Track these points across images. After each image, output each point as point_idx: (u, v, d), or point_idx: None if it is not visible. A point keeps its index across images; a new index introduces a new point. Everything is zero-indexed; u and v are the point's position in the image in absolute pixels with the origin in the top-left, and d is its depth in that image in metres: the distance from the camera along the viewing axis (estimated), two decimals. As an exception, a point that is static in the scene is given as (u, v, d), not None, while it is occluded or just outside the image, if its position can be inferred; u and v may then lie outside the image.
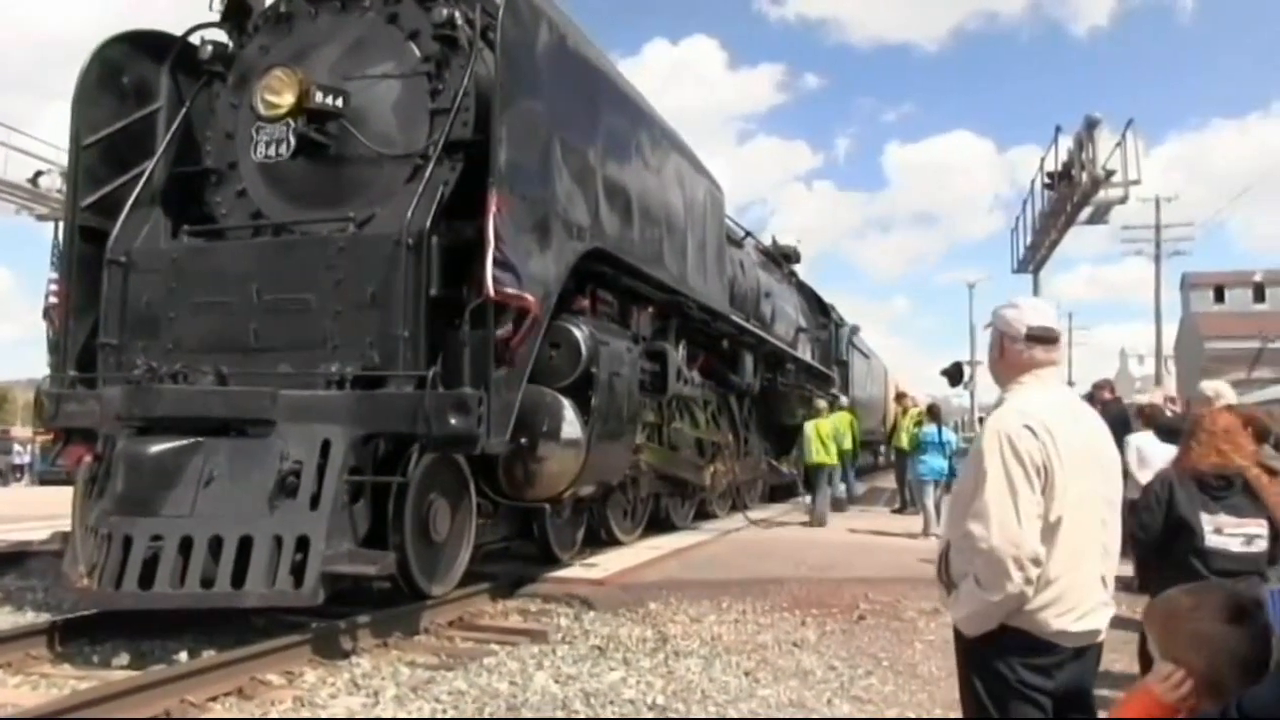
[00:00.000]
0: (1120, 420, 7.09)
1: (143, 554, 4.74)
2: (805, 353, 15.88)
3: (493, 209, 5.31)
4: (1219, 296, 39.66)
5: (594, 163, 6.77)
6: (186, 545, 4.77)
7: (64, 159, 7.80)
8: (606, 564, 7.42)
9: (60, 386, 6.22)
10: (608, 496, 8.03)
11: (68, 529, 5.49)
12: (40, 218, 18.13)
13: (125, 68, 6.67)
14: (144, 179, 6.56)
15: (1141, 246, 29.80)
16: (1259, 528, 3.06)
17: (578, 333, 6.41)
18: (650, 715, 4.12)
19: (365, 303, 5.62)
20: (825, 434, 12.44)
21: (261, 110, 5.95)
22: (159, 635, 5.07)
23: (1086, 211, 15.39)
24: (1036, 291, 17.78)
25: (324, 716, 3.98)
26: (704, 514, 11.09)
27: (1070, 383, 26.05)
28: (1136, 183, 14.53)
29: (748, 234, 13.46)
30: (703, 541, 9.27)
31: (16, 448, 28.43)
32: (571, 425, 6.13)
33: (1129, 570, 3.95)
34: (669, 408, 9.18)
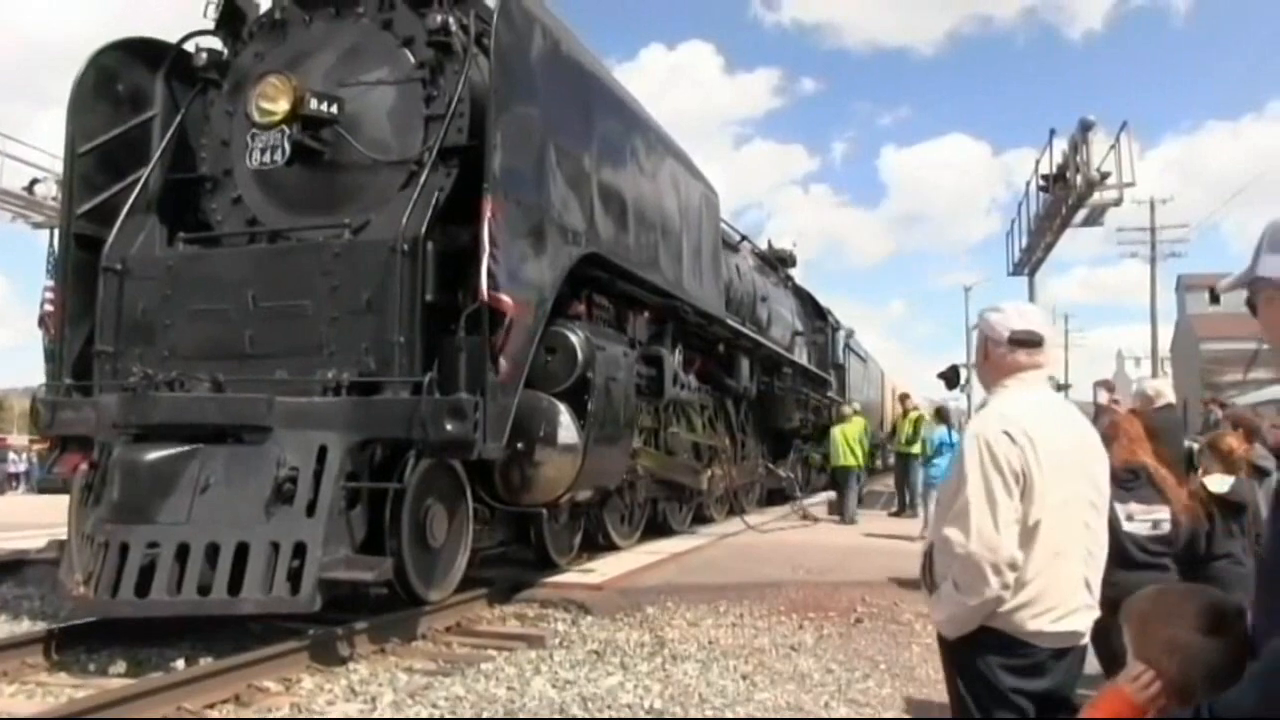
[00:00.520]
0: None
1: (139, 561, 4.74)
2: (802, 356, 15.89)
3: (488, 214, 5.32)
4: (1215, 298, 39.63)
5: (589, 168, 6.78)
6: (183, 552, 4.77)
7: (59, 166, 7.80)
8: (604, 569, 7.42)
9: (56, 394, 6.22)
10: (605, 501, 8.02)
11: (64, 537, 5.49)
12: (36, 225, 18.11)
13: (120, 75, 6.69)
14: (139, 186, 6.58)
15: (1137, 249, 29.93)
16: (1163, 513, 3.52)
17: (574, 338, 6.42)
18: (648, 719, 4.12)
19: (361, 309, 5.63)
20: (851, 438, 12.64)
21: (256, 117, 5.97)
22: (156, 643, 5.07)
23: (1082, 214, 15.42)
24: (1032, 294, 17.80)
25: (321, 723, 3.98)
26: (701, 518, 11.08)
27: (1067, 385, 26.08)
28: (1131, 185, 14.58)
29: (743, 238, 13.48)
30: (700, 546, 9.27)
31: (13, 456, 28.34)
32: (568, 430, 6.14)
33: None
34: (666, 412, 9.18)
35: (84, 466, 5.54)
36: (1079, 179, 14.17)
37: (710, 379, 10.99)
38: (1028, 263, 18.16)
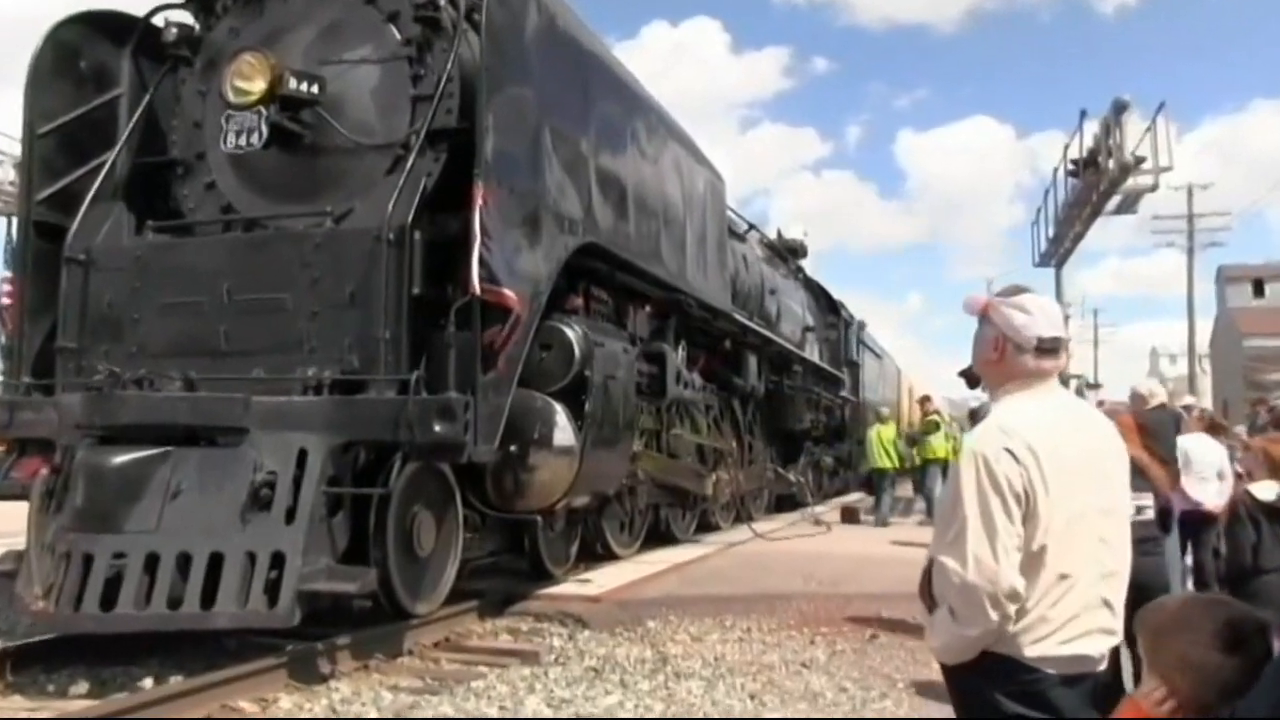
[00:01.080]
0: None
1: (104, 573, 4.73)
2: (813, 353, 15.89)
3: (479, 202, 5.32)
4: (1258, 291, 39.38)
5: (587, 152, 6.78)
6: (152, 563, 4.77)
7: (17, 149, 7.76)
8: (602, 579, 7.44)
9: (15, 394, 6.21)
10: (603, 508, 8.03)
11: (23, 547, 5.49)
12: (-7, 212, 18.08)
13: (82, 51, 6.66)
14: (104, 171, 6.55)
15: (1173, 238, 29.87)
16: (1145, 500, 3.81)
17: (570, 333, 6.42)
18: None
19: (344, 302, 5.63)
20: (887, 440, 12.84)
21: (231, 97, 5.95)
22: (122, 660, 5.06)
23: (1114, 201, 15.40)
24: (1059, 287, 17.79)
25: (301, 745, 3.99)
26: (706, 526, 11.09)
27: (1097, 384, 26.06)
28: (1168, 169, 14.55)
29: (751, 227, 13.50)
30: (705, 555, 9.29)
31: (-32, 459, 28.29)
32: (564, 432, 6.14)
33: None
34: (668, 413, 9.19)
35: (45, 471, 5.52)
36: (1111, 163, 14.14)
37: (716, 377, 10.99)
38: (1055, 253, 18.16)
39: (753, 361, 12.13)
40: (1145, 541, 3.61)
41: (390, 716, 4.33)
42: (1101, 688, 2.15)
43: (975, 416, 12.00)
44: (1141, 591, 2.27)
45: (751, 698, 4.80)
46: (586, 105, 6.89)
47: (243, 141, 6.11)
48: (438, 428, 5.14)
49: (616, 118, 7.44)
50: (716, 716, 4.47)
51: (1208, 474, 6.40)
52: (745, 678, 5.14)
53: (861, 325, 20.69)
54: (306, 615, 4.86)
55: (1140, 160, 14.15)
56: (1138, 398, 7.06)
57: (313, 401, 5.39)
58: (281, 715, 4.34)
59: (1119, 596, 2.15)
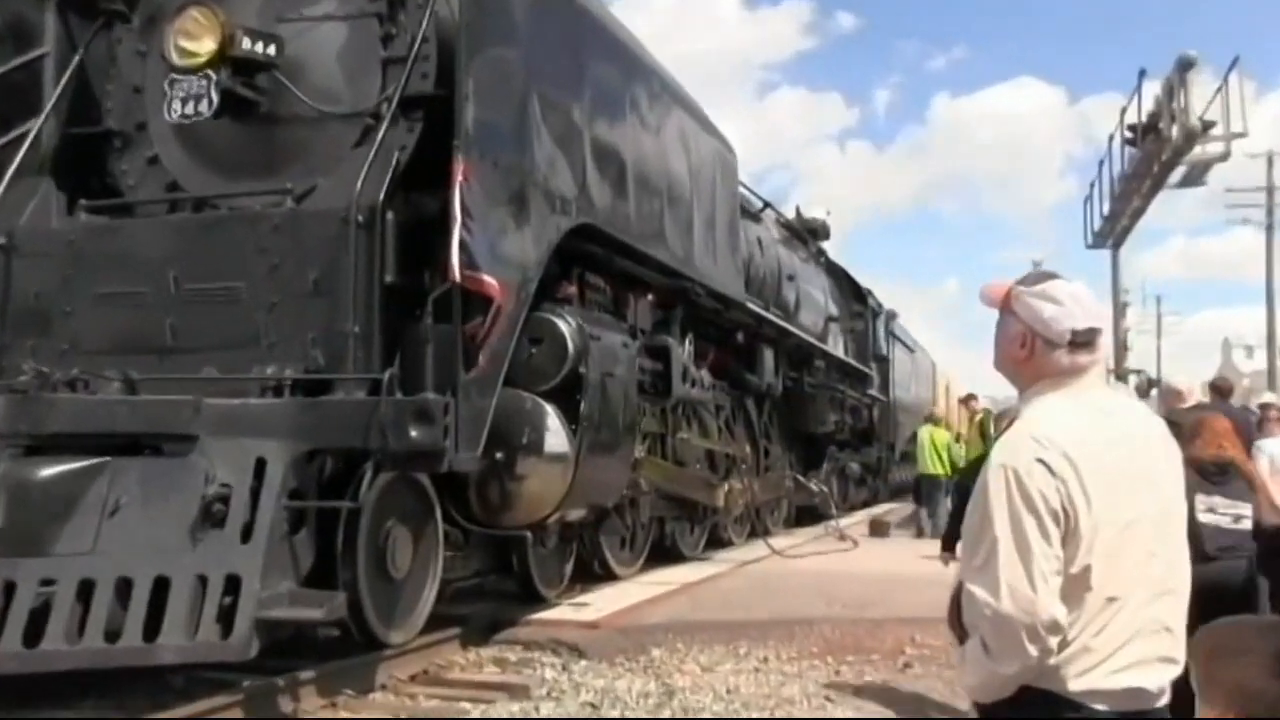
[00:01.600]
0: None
1: (30, 603, 4.63)
2: (837, 346, 15.91)
3: (459, 178, 5.30)
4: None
5: (580, 122, 6.77)
6: (86, 590, 4.68)
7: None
8: (600, 603, 7.44)
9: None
10: (601, 522, 8.03)
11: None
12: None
13: None
14: (28, 142, 6.46)
15: (1249, 213, 29.78)
16: (1246, 509, 4.23)
17: (563, 326, 6.41)
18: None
19: (307, 292, 5.60)
20: (940, 444, 12.81)
21: (175, 59, 5.88)
22: (50, 702, 4.98)
23: (1179, 172, 15.33)
24: (1116, 271, 17.77)
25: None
26: (717, 541, 11.11)
27: (1159, 380, 25.98)
28: (1242, 135, 14.43)
29: (766, 205, 13.47)
30: (716, 574, 9.29)
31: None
32: (556, 436, 6.14)
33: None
34: (674, 414, 9.20)
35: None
36: (1175, 129, 14.03)
37: (727, 375, 11.00)
38: (1111, 232, 18.10)
39: (769, 356, 12.14)
40: (1228, 550, 3.88)
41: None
42: None
43: (999, 422, 11.98)
44: (1221, 603, 2.26)
45: (770, 737, 4.77)
46: (580, 69, 6.88)
47: (189, 110, 6.04)
48: (414, 433, 5.10)
49: (614, 83, 7.43)
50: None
51: None
52: (762, 712, 5.12)
53: (892, 315, 20.69)
54: (265, 647, 4.79)
55: (1209, 125, 14.04)
56: (1171, 393, 7.13)
57: (272, 404, 5.35)
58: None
59: (1178, 619, 2.10)
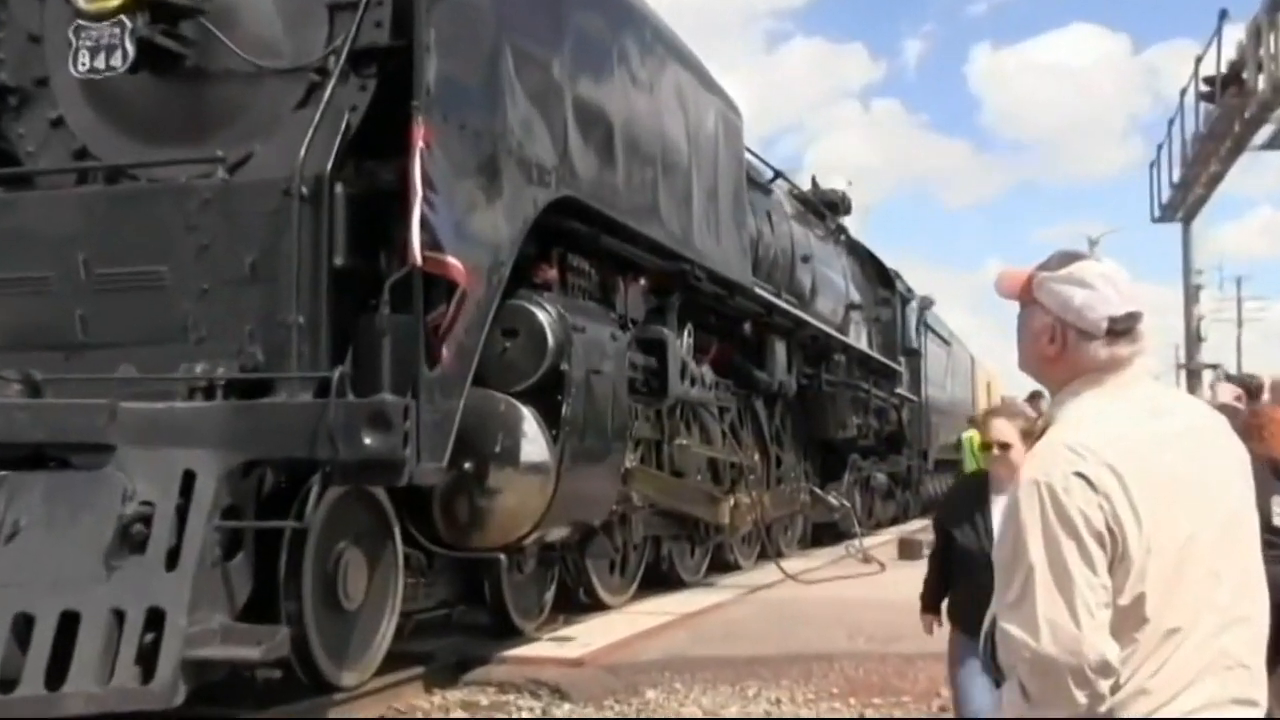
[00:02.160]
0: None
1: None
2: (860, 338, 15.96)
3: (419, 144, 5.29)
4: None
5: (560, 79, 6.79)
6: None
7: None
8: (587, 636, 7.45)
9: None
10: (587, 542, 8.02)
11: None
12: None
13: None
14: None
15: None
16: None
17: (542, 315, 6.44)
18: None
19: (242, 277, 5.58)
20: None
21: (81, 3, 5.80)
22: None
23: (1265, 131, 15.33)
24: (1188, 247, 17.73)
25: None
26: (722, 565, 11.15)
27: (1237, 377, 26.10)
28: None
29: (778, 174, 13.53)
30: (720, 603, 9.33)
31: None
32: (534, 444, 6.17)
33: None
34: (671, 418, 9.24)
35: None
36: (1262, 81, 14.00)
37: (732, 371, 11.06)
38: (1182, 203, 18.10)
39: (780, 350, 12.19)
40: None
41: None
42: None
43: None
44: None
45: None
46: (559, 17, 6.90)
47: (100, 63, 5.96)
48: (368, 440, 5.07)
49: (600, 34, 7.47)
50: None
51: None
52: (775, 766, 5.12)
53: (926, 303, 20.68)
54: (194, 692, 4.75)
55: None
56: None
57: (201, 408, 5.33)
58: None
59: (1255, 651, 2.06)
